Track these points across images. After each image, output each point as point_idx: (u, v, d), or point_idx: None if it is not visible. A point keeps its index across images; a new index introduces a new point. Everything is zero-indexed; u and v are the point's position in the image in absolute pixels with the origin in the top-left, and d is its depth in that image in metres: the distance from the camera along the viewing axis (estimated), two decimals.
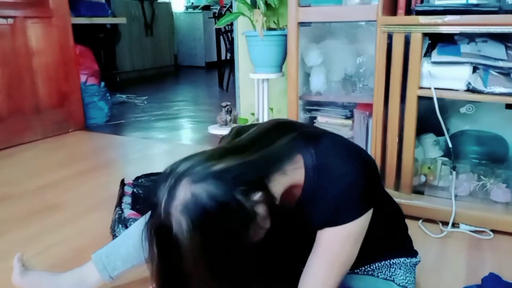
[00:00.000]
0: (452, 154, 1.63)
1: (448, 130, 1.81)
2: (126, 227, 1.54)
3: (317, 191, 0.82)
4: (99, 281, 1.16)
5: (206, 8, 6.02)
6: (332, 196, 0.81)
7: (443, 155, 1.82)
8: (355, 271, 1.03)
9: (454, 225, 1.59)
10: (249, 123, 2.29)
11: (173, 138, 3.16)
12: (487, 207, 1.60)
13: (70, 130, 3.19)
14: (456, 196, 1.60)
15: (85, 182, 2.21)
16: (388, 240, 1.05)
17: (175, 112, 3.95)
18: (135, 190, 1.75)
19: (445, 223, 1.59)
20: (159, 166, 2.39)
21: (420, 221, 1.63)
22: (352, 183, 0.81)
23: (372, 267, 1.03)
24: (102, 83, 3.51)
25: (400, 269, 1.04)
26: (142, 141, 3.02)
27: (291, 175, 0.81)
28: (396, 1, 1.59)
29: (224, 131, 2.27)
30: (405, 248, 1.10)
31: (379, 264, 1.03)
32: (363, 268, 1.04)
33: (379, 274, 1.03)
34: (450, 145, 1.60)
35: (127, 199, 1.72)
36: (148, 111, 3.97)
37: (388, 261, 1.03)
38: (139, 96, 4.54)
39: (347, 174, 0.82)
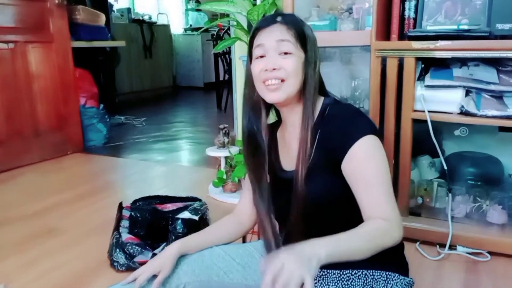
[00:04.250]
0: (448, 176, 1.64)
1: (443, 152, 1.83)
2: (124, 251, 1.54)
3: (328, 119, 1.01)
4: None
5: (204, 30, 6.10)
6: (341, 120, 0.99)
7: (439, 176, 1.84)
8: (354, 272, 1.04)
9: (451, 247, 1.59)
10: None
11: (172, 159, 3.18)
12: (483, 228, 1.61)
13: (68, 153, 3.21)
14: (452, 218, 1.61)
15: (83, 205, 2.21)
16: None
17: (174, 133, 3.98)
18: (133, 213, 1.75)
19: (442, 245, 1.60)
20: (157, 188, 2.43)
21: (418, 243, 1.64)
22: (357, 111, 1.02)
23: (369, 277, 1.04)
24: (101, 105, 3.53)
25: (396, 285, 1.04)
26: (141, 163, 3.04)
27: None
28: (389, 26, 1.63)
29: (222, 153, 2.29)
30: (401, 264, 1.10)
31: (376, 274, 1.03)
32: (361, 275, 1.04)
33: None
34: (446, 167, 1.62)
35: (124, 223, 1.72)
36: (147, 132, 3.99)
37: (384, 272, 1.03)
38: (137, 117, 4.57)
39: (354, 109, 1.05)
